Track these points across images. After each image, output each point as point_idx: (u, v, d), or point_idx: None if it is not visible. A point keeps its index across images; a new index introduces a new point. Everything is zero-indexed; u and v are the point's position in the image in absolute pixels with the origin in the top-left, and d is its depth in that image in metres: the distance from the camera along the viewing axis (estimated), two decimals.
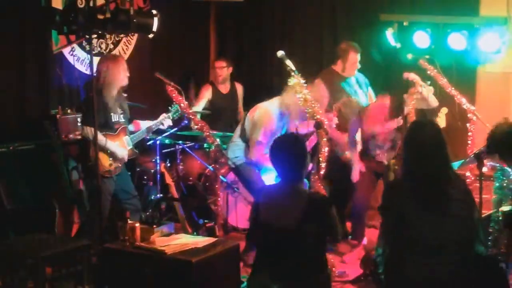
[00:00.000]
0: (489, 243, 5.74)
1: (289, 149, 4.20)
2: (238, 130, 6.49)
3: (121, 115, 6.26)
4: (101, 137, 5.83)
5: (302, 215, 3.98)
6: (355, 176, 6.52)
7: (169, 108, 6.68)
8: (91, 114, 5.63)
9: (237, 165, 6.39)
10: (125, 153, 6.25)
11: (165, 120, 6.62)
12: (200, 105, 7.92)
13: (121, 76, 6.12)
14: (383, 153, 6.37)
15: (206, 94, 8.15)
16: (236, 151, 6.45)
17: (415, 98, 6.17)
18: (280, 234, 4.04)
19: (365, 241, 6.58)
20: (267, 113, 6.21)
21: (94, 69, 5.97)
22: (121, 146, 6.22)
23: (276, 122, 6.23)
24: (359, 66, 7.06)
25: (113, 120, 6.16)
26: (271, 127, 6.17)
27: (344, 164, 6.92)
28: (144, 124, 6.57)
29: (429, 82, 6.52)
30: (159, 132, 7.22)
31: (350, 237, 6.73)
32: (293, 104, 5.99)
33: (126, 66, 6.29)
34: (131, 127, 6.49)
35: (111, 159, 6.10)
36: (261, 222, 4.13)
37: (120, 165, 6.19)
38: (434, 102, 6.31)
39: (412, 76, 6.16)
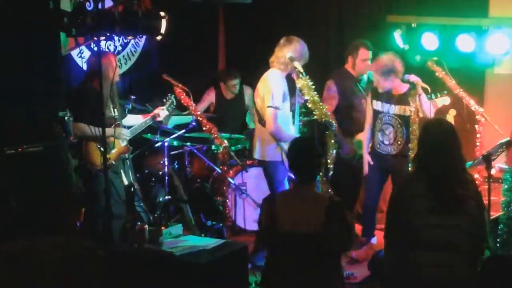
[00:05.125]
0: (498, 245, 5.73)
1: (304, 152, 4.24)
2: (256, 123, 6.36)
3: (115, 111, 6.22)
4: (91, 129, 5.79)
5: (326, 218, 3.98)
6: (365, 168, 6.51)
7: (164, 101, 6.72)
8: (85, 111, 5.68)
9: (267, 160, 6.26)
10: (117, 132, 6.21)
11: (162, 112, 6.63)
12: (200, 109, 7.86)
13: (113, 72, 6.09)
14: (384, 141, 6.34)
15: (208, 98, 8.13)
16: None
17: (416, 101, 6.16)
18: (305, 240, 4.01)
19: (374, 240, 6.56)
20: (268, 80, 6.10)
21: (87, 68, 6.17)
22: (115, 143, 6.16)
23: (283, 84, 6.12)
24: (369, 63, 7.01)
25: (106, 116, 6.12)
26: (280, 90, 6.04)
27: (349, 166, 6.91)
28: (141, 118, 6.59)
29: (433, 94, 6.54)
30: (167, 134, 7.23)
31: (361, 235, 6.70)
32: (283, 56, 5.99)
33: (117, 62, 6.30)
34: (130, 121, 6.48)
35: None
36: (281, 230, 4.07)
37: (113, 162, 6.13)
38: (427, 114, 6.26)
39: (413, 77, 6.15)
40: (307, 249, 4.02)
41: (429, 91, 6.38)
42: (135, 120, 6.58)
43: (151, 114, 6.60)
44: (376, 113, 6.38)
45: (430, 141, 3.91)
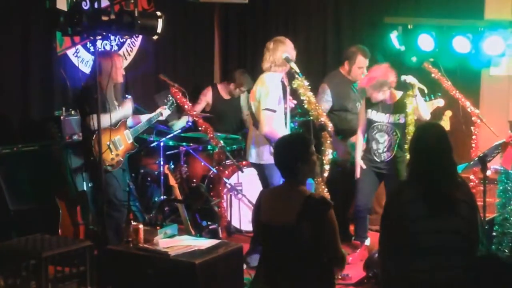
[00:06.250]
0: (493, 246, 5.74)
1: (290, 150, 4.21)
2: (250, 126, 6.34)
3: (119, 110, 6.27)
4: (106, 118, 5.88)
5: (298, 214, 3.98)
6: (357, 172, 6.51)
7: (165, 101, 6.73)
8: (93, 104, 5.69)
9: (262, 164, 6.18)
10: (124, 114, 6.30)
11: (164, 111, 6.66)
12: (198, 110, 7.85)
13: (118, 72, 6.14)
14: (379, 150, 6.35)
15: (205, 98, 8.11)
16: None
17: (413, 102, 6.15)
18: (278, 233, 4.06)
19: (368, 242, 6.57)
20: (266, 82, 6.05)
21: (92, 66, 6.07)
22: (122, 140, 6.24)
23: (278, 87, 6.09)
24: (365, 72, 7.00)
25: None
26: (276, 93, 5.99)
27: (344, 168, 6.91)
28: (144, 117, 6.60)
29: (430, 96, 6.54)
30: (163, 134, 7.23)
31: (353, 238, 6.71)
32: (279, 59, 5.99)
33: (122, 62, 6.34)
34: (130, 122, 6.50)
35: (113, 152, 6.09)
36: (262, 222, 4.17)
37: (121, 158, 6.18)
38: (425, 115, 6.26)
39: (409, 78, 6.14)
40: (280, 242, 4.05)
41: (426, 92, 6.38)
42: (138, 119, 6.60)
43: (154, 113, 6.60)
44: (370, 122, 6.38)
45: (423, 145, 3.91)
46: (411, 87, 6.12)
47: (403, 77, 6.15)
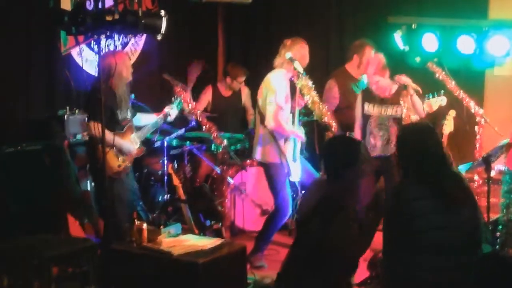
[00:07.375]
0: (497, 246, 5.73)
1: (334, 148, 4.26)
2: (257, 124, 6.34)
3: (128, 111, 6.20)
4: (108, 134, 5.67)
5: (313, 207, 3.99)
6: None
7: (172, 99, 6.66)
8: (97, 110, 5.62)
9: (268, 162, 6.23)
10: (132, 148, 6.15)
11: (171, 111, 6.53)
12: (200, 109, 7.82)
13: (128, 71, 6.12)
14: (377, 144, 6.31)
15: (205, 97, 8.11)
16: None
17: (407, 102, 6.14)
18: (299, 222, 4.24)
19: None
20: (272, 79, 6.07)
21: (98, 68, 5.99)
22: (129, 146, 6.18)
23: (286, 85, 6.09)
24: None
25: (120, 117, 6.07)
26: (283, 89, 6.02)
27: None
28: (152, 118, 6.52)
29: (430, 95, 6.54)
30: (166, 133, 7.22)
31: None
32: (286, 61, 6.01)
33: (129, 60, 6.29)
34: (150, 118, 6.46)
35: (119, 159, 6.04)
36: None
37: (128, 164, 6.13)
38: (421, 113, 6.24)
39: (403, 79, 6.13)
40: (297, 233, 4.21)
41: (420, 92, 6.35)
42: (146, 120, 6.51)
43: (162, 113, 6.52)
44: (367, 116, 6.36)
45: (411, 144, 3.90)
46: (405, 87, 6.10)
47: (397, 78, 6.14)
